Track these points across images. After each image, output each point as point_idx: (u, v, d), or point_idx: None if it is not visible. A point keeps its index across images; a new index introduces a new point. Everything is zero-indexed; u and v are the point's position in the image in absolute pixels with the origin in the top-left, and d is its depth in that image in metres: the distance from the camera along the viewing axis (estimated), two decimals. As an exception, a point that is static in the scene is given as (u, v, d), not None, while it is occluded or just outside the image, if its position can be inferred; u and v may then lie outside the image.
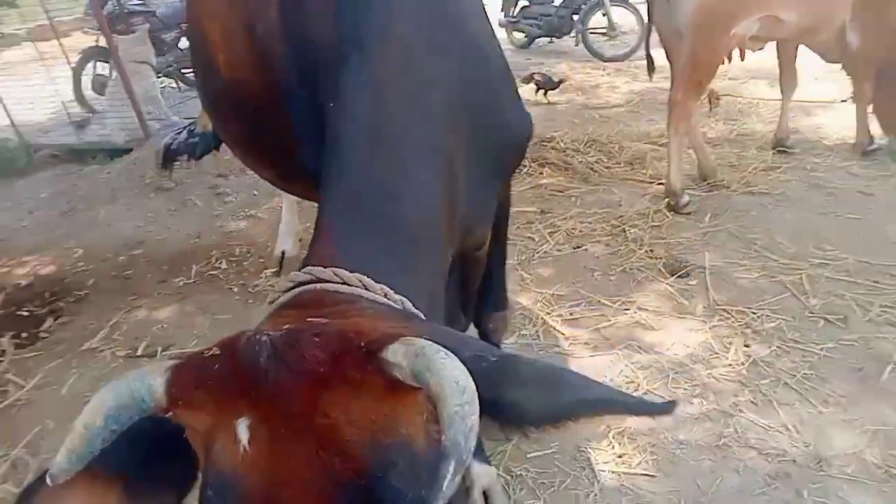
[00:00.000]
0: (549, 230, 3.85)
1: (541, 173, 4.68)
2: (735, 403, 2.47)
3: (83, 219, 4.49)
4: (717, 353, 2.75)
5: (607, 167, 4.76)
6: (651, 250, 3.55)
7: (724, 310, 3.02)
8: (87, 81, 7.10)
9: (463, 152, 1.36)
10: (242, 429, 0.72)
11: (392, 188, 1.16)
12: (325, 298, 0.93)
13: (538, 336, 2.93)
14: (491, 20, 1.67)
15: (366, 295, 0.94)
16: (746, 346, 2.78)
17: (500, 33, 9.37)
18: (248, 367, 0.73)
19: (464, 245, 1.53)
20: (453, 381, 0.69)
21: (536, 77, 6.34)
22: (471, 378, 0.70)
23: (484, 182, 1.49)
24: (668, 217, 3.90)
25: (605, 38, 8.33)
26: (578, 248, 3.66)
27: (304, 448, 0.71)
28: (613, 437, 2.34)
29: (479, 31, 1.53)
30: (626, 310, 3.09)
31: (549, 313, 3.09)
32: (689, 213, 3.92)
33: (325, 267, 0.97)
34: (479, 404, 0.74)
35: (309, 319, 0.84)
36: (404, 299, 0.97)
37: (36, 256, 4.00)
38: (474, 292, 2.13)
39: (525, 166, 4.79)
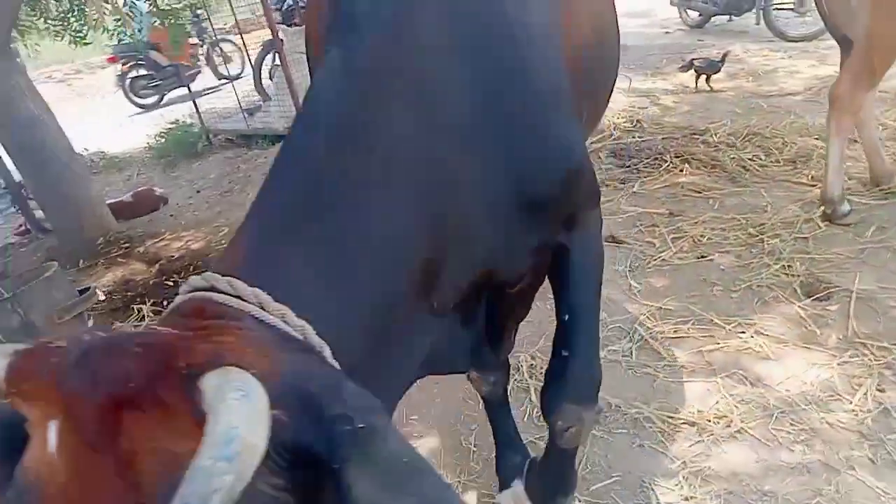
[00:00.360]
0: (674, 235, 3.53)
1: (680, 170, 4.30)
2: (847, 458, 2.09)
3: (237, 199, 4.96)
4: (839, 395, 2.35)
5: (763, 165, 4.24)
6: (788, 266, 3.11)
7: (864, 343, 2.57)
8: (266, 72, 7.79)
9: (474, 179, 1.17)
10: (50, 433, 0.67)
11: (341, 201, 1.01)
12: (208, 309, 0.84)
13: (630, 353, 2.71)
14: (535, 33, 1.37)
15: (258, 314, 0.84)
16: (880, 390, 2.34)
17: (672, 13, 8.74)
18: (60, 368, 0.69)
19: (485, 281, 1.33)
20: (226, 426, 0.60)
21: (696, 62, 5.81)
22: (262, 434, 0.62)
23: (508, 217, 1.25)
24: (819, 228, 3.38)
25: (793, 14, 7.41)
26: (703, 257, 3.31)
27: (100, 470, 0.65)
28: (685, 477, 2.10)
29: (523, 42, 1.28)
30: (741, 333, 2.75)
31: (650, 328, 2.84)
32: (847, 225, 3.37)
33: (223, 275, 0.87)
34: (325, 472, 0.67)
35: (152, 327, 0.78)
36: (306, 327, 0.85)
37: (192, 232, 4.48)
38: (506, 331, 1.83)
39: (665, 161, 4.44)
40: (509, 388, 2.58)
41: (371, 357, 0.99)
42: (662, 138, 4.86)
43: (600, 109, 2.14)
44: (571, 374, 1.52)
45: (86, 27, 5.46)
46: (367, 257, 1.01)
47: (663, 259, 3.34)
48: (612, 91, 2.27)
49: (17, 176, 5.00)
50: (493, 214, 1.21)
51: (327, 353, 0.85)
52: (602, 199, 4.26)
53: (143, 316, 3.50)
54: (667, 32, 8.53)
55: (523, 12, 1.27)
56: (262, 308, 0.84)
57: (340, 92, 1.06)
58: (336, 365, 0.85)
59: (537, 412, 2.49)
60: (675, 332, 2.81)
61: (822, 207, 3.47)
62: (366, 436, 0.68)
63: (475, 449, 2.42)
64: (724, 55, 5.81)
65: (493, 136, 1.17)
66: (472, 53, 1.16)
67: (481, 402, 2.50)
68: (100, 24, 5.48)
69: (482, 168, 1.17)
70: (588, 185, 1.45)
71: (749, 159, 4.32)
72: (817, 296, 2.89)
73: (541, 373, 2.67)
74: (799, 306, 2.85)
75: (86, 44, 5.63)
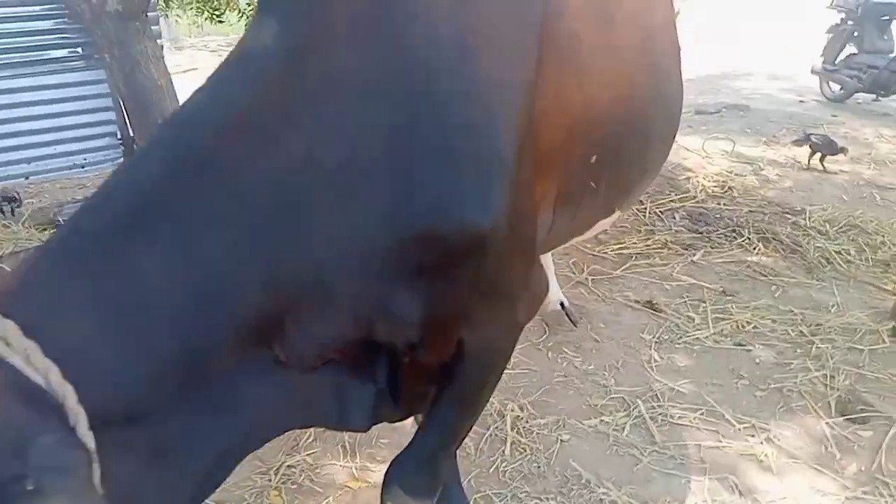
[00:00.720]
0: (718, 315, 3.30)
1: (754, 248, 4.01)
2: None
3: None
4: (833, 533, 2.11)
5: (848, 261, 3.88)
6: (831, 376, 2.83)
7: (886, 483, 2.29)
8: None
9: (350, 232, 1.08)
10: None
11: (152, 237, 0.95)
12: None
13: (622, 429, 2.55)
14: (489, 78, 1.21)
15: None
16: (883, 540, 2.08)
17: (812, 82, 8.18)
18: None
19: (368, 341, 1.21)
20: None
21: (813, 138, 5.40)
22: None
23: (389, 278, 1.14)
24: (882, 343, 3.05)
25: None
26: (740, 345, 3.08)
27: None
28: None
29: (450, 80, 1.15)
30: (751, 436, 2.53)
31: (653, 407, 2.67)
32: (919, 347, 3.02)
33: None
34: None
35: None
36: (51, 369, 0.80)
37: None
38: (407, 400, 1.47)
39: (741, 236, 4.16)
40: (487, 434, 2.54)
41: (177, 402, 0.96)
42: (748, 211, 4.56)
43: (633, 176, 1.98)
44: (412, 462, 1.45)
45: (223, 6, 5.91)
46: (169, 300, 0.95)
47: (697, 338, 3.13)
48: (657, 159, 2.14)
49: (131, 131, 5.46)
50: (368, 272, 1.12)
51: (70, 400, 0.80)
52: (656, 262, 4.05)
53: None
54: (801, 101, 7.98)
55: (462, 58, 1.17)
56: (7, 342, 0.80)
57: (215, 111, 1.04)
58: (80, 412, 0.80)
59: (506, 465, 2.41)
60: (679, 417, 2.63)
61: (895, 322, 3.13)
62: (30, 498, 0.67)
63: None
64: (843, 149, 5.35)
65: (380, 189, 1.10)
66: (381, 96, 1.11)
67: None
68: (234, 5, 5.91)
69: (363, 221, 1.10)
70: (497, 273, 1.27)
71: (836, 252, 3.97)
72: (851, 416, 2.61)
73: (526, 427, 2.59)
74: (827, 423, 2.58)
75: (220, 22, 6.08)
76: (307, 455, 2.42)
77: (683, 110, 7.55)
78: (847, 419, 2.60)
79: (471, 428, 1.59)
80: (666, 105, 2.00)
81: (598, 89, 1.54)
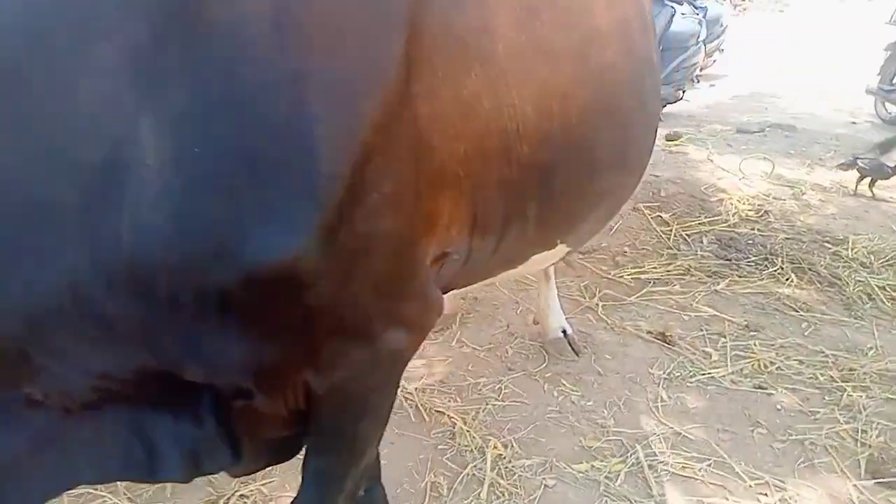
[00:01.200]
0: (738, 352, 2.99)
1: (786, 279, 3.67)
2: None
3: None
4: None
5: (894, 298, 3.51)
6: (863, 430, 2.50)
7: (919, 563, 1.97)
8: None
9: (115, 239, 0.91)
10: None
11: None
12: None
13: (616, 477, 2.28)
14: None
15: None
16: None
17: (866, 102, 7.69)
18: None
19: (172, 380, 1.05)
20: None
21: (861, 162, 5.00)
22: None
23: (185, 304, 0.96)
24: (928, 394, 2.71)
25: None
26: (760, 388, 2.76)
27: None
28: None
29: (256, 71, 0.95)
30: (763, 494, 2.23)
31: (653, 454, 2.39)
32: (970, 401, 2.67)
33: None
34: None
35: None
36: None
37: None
38: (268, 450, 1.33)
39: (774, 265, 3.82)
40: (463, 472, 2.30)
41: None
42: (785, 238, 4.21)
43: (577, 206, 1.71)
44: None
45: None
46: None
47: (712, 377, 2.82)
48: (611, 189, 1.83)
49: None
50: (149, 299, 0.94)
51: None
52: (676, 289, 3.74)
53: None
54: (853, 122, 7.51)
55: (274, 46, 0.96)
56: None
57: None
58: None
59: (481, 511, 2.17)
60: (682, 467, 2.34)
61: (941, 370, 2.78)
62: None
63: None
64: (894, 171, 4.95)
65: (149, 197, 0.90)
66: (163, 86, 0.91)
67: (424, 480, 2.25)
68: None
69: (130, 238, 0.91)
70: (337, 308, 1.07)
71: (880, 287, 3.60)
72: (884, 479, 2.28)
73: (508, 468, 2.34)
74: (854, 485, 2.27)
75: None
76: (263, 485, 2.22)
77: (723, 128, 7.16)
78: (878, 482, 2.27)
79: (363, 475, 1.43)
80: (622, 124, 1.71)
81: (518, 98, 1.31)
